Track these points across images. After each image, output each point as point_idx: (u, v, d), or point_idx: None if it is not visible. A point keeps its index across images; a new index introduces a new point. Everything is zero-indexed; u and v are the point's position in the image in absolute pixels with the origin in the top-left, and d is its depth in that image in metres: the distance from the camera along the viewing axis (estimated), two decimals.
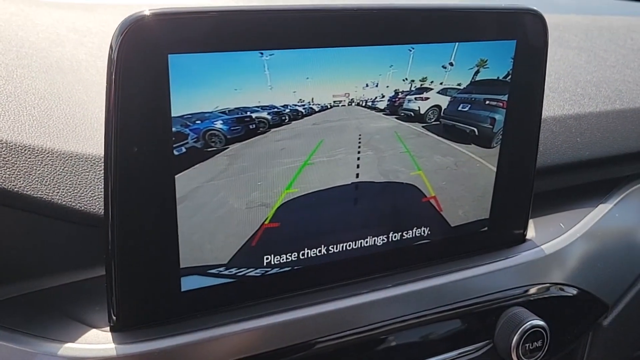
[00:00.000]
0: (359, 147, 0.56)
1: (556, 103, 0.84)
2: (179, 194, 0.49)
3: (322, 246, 0.57)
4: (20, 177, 0.51)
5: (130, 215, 0.48)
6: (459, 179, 0.62)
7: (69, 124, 0.58)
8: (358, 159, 0.56)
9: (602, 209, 0.79)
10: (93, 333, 0.51)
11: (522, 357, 0.62)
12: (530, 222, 0.73)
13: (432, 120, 0.58)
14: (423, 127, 0.58)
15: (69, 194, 0.53)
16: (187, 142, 0.49)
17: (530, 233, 0.71)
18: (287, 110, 0.52)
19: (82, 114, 0.61)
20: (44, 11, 0.83)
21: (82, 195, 0.54)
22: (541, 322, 0.62)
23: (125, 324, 0.51)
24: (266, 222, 0.54)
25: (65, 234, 0.57)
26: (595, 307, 0.73)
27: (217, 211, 0.52)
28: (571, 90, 0.88)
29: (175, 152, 0.48)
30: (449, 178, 0.61)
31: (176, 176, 0.49)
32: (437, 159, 0.60)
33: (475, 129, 0.61)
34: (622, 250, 0.79)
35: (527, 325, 0.62)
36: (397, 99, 0.56)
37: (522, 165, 0.66)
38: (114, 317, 0.51)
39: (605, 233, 0.77)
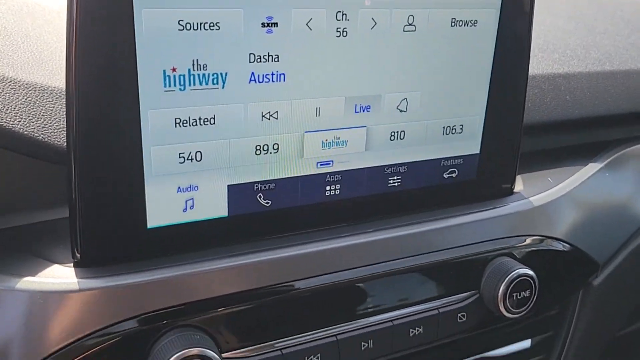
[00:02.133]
0: None
1: (545, 62, 0.82)
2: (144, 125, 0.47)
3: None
4: None
5: (94, 147, 0.46)
6: None
7: (35, 58, 0.56)
8: None
9: (592, 167, 0.76)
10: (56, 268, 0.48)
11: (510, 308, 0.60)
12: (518, 178, 0.71)
13: None
14: None
15: (31, 124, 0.50)
16: None
17: (519, 187, 0.69)
18: None
19: (49, 52, 0.58)
20: None
21: (45, 126, 0.51)
22: (529, 271, 0.60)
23: (89, 261, 0.48)
24: None
25: (31, 173, 0.54)
26: (585, 265, 0.71)
27: None
28: (560, 51, 0.86)
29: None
30: None
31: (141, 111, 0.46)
32: None
33: None
34: (613, 209, 0.76)
35: (515, 273, 0.59)
36: None
37: (510, 111, 0.64)
38: (78, 253, 0.48)
39: (595, 190, 0.74)
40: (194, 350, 0.46)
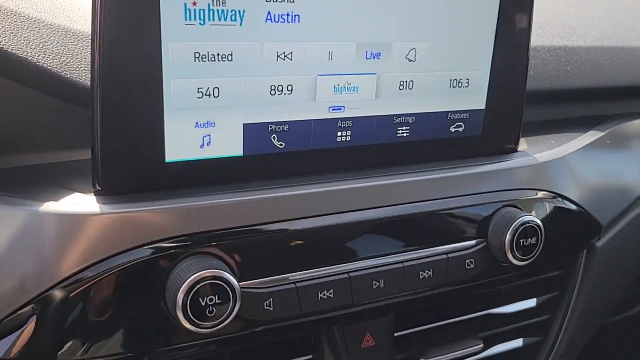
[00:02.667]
0: None
1: (545, 36, 0.84)
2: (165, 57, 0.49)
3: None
4: (5, 37, 0.50)
5: (116, 78, 0.47)
6: None
7: (57, 2, 0.57)
8: None
9: (593, 135, 0.78)
10: (77, 196, 0.49)
11: (517, 255, 0.61)
12: (522, 141, 0.72)
13: None
14: None
15: (55, 61, 0.52)
16: None
17: (522, 147, 0.71)
18: None
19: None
20: None
21: (69, 65, 0.53)
22: (535, 219, 0.61)
23: (109, 190, 0.50)
24: None
25: (57, 114, 0.56)
26: (589, 225, 0.72)
27: None
28: (560, 28, 0.89)
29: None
30: None
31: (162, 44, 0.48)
32: None
33: None
34: (615, 174, 0.78)
35: (521, 220, 0.60)
36: None
37: (514, 69, 0.65)
38: (98, 184, 0.49)
39: (597, 155, 0.76)
40: (212, 272, 0.47)
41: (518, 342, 0.72)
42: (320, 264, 0.55)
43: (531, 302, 0.72)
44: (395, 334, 0.63)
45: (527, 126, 0.75)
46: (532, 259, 0.62)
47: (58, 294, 0.46)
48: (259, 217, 0.52)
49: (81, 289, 0.47)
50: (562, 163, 0.70)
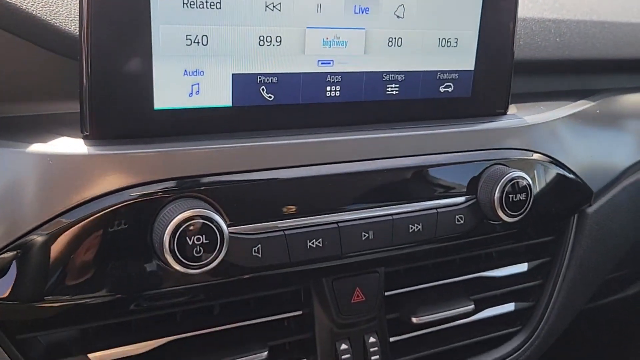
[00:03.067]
0: None
1: (535, 10, 0.85)
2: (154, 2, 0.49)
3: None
4: None
5: (105, 24, 0.48)
6: None
7: None
8: None
9: (584, 104, 0.79)
10: (65, 140, 0.49)
11: (506, 210, 0.61)
12: (512, 106, 0.73)
13: None
14: None
15: (44, 9, 0.52)
16: None
17: (512, 111, 0.71)
18: None
19: None
20: None
21: (58, 14, 0.53)
22: (525, 175, 0.61)
23: (97, 136, 0.50)
24: None
25: (47, 64, 0.56)
26: (579, 190, 0.72)
27: None
28: (550, 3, 0.90)
29: None
30: None
31: None
32: None
33: None
34: (605, 143, 0.79)
35: (510, 175, 0.61)
36: None
37: (502, 31, 0.66)
38: (86, 129, 0.50)
39: (587, 122, 0.77)
40: (199, 212, 0.47)
41: (510, 307, 0.71)
42: (309, 213, 0.54)
43: (522, 267, 0.72)
44: (386, 293, 0.63)
45: (517, 97, 0.76)
46: (521, 216, 0.62)
47: (43, 234, 0.46)
48: (248, 164, 0.53)
49: (67, 230, 0.47)
50: (552, 127, 0.70)
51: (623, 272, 0.96)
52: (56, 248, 0.47)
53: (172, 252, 0.47)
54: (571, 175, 0.71)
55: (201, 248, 0.47)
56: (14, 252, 0.46)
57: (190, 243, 0.47)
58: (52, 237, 0.46)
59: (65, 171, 0.47)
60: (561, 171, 0.70)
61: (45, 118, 0.56)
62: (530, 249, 0.74)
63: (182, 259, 0.47)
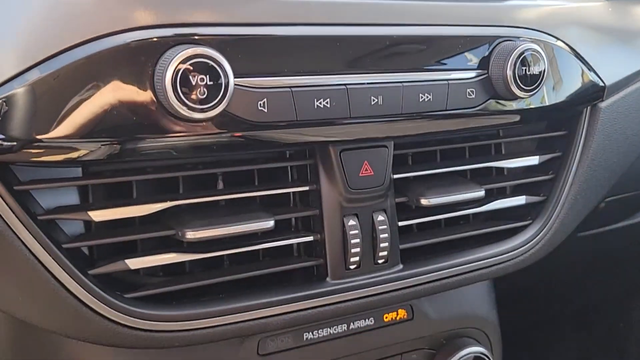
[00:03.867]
0: None
1: None
2: None
3: None
4: None
5: None
6: None
7: None
8: None
9: None
10: None
11: (520, 84, 0.59)
12: None
13: None
14: None
15: None
16: None
17: None
18: None
19: None
20: None
21: None
22: (538, 47, 0.59)
23: None
24: None
25: None
26: (591, 82, 0.70)
27: None
28: None
29: None
30: None
31: None
32: None
33: None
34: (624, 38, 0.77)
35: (523, 47, 0.59)
36: None
37: None
38: None
39: (602, 17, 0.75)
40: (203, 50, 0.45)
41: (521, 200, 0.69)
42: (317, 72, 0.53)
43: (534, 160, 0.70)
44: (395, 176, 0.61)
45: None
46: (535, 91, 0.60)
47: (41, 75, 0.44)
48: (256, 17, 0.51)
49: (65, 70, 0.45)
50: (571, 13, 0.69)
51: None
52: (53, 88, 0.45)
53: (174, 89, 0.45)
54: (584, 65, 0.69)
55: (205, 90, 0.46)
56: (10, 90, 0.44)
57: (193, 83, 0.45)
58: (49, 77, 0.45)
59: (66, 10, 0.45)
60: (574, 58, 0.68)
61: None
62: (541, 143, 0.73)
63: (184, 99, 0.45)
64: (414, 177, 0.65)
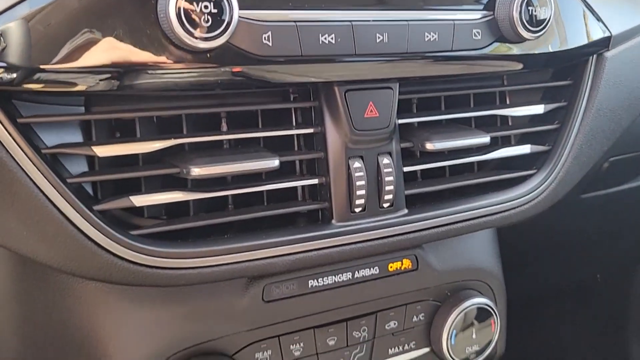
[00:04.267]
0: None
1: None
2: None
3: None
4: None
5: None
6: None
7: None
8: None
9: None
10: None
11: (526, 25, 0.58)
12: None
13: None
14: None
15: None
16: None
17: None
18: None
19: None
20: None
21: None
22: None
23: None
24: None
25: None
26: (597, 30, 0.69)
27: None
28: None
29: None
30: None
31: None
32: None
33: None
34: None
35: None
36: None
37: None
38: None
39: None
40: None
41: (526, 149, 0.69)
42: (323, 6, 0.52)
43: (539, 109, 0.70)
44: (400, 121, 0.61)
45: None
46: (541, 32, 0.60)
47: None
48: None
49: None
50: None
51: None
52: (53, 16, 0.44)
53: (178, 17, 0.44)
54: (590, 13, 0.69)
55: (209, 18, 0.45)
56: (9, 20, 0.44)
57: (198, 10, 0.45)
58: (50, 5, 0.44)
59: None
60: (581, 4, 0.68)
61: None
62: (547, 93, 0.72)
63: (188, 27, 0.45)
64: (419, 123, 0.64)
